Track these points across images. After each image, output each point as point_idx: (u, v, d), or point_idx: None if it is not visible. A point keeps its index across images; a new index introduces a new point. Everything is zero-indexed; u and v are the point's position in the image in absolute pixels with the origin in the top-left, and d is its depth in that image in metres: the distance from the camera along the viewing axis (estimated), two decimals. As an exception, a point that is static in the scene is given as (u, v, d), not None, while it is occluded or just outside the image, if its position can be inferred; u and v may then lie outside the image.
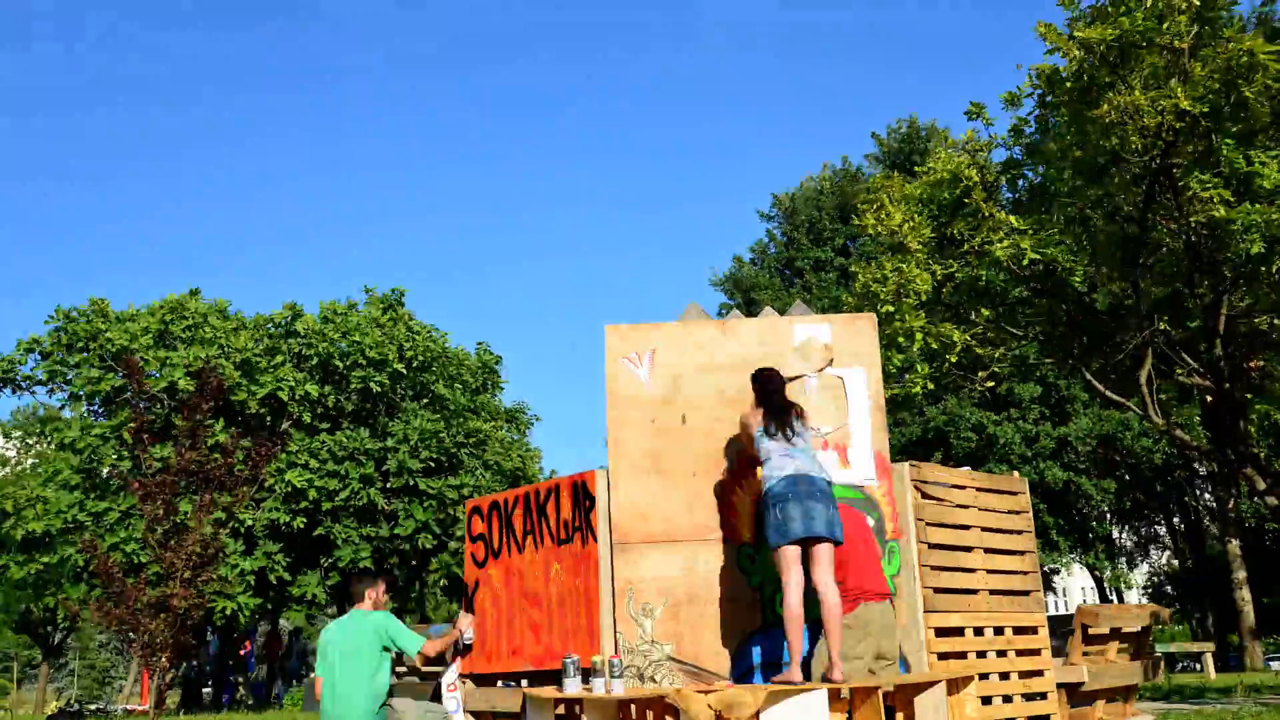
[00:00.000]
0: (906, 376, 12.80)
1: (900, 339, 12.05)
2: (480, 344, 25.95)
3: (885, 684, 4.82)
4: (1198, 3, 10.15)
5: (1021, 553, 6.53)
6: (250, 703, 22.31)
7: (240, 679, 23.06)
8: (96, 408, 20.85)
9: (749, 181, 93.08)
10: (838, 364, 5.79)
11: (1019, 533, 6.53)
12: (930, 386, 12.73)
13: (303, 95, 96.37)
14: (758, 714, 4.32)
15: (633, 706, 5.33)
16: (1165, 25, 10.24)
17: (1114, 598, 34.52)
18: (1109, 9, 10.82)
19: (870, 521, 5.47)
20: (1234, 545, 24.07)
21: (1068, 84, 11.00)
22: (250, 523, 19.10)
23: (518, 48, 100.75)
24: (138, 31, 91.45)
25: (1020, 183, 13.57)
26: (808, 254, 30.48)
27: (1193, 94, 10.12)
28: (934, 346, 12.20)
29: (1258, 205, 10.05)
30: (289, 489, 19.50)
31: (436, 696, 6.11)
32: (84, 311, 20.44)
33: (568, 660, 5.00)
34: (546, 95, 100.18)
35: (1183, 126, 10.44)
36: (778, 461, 4.94)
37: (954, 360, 12.36)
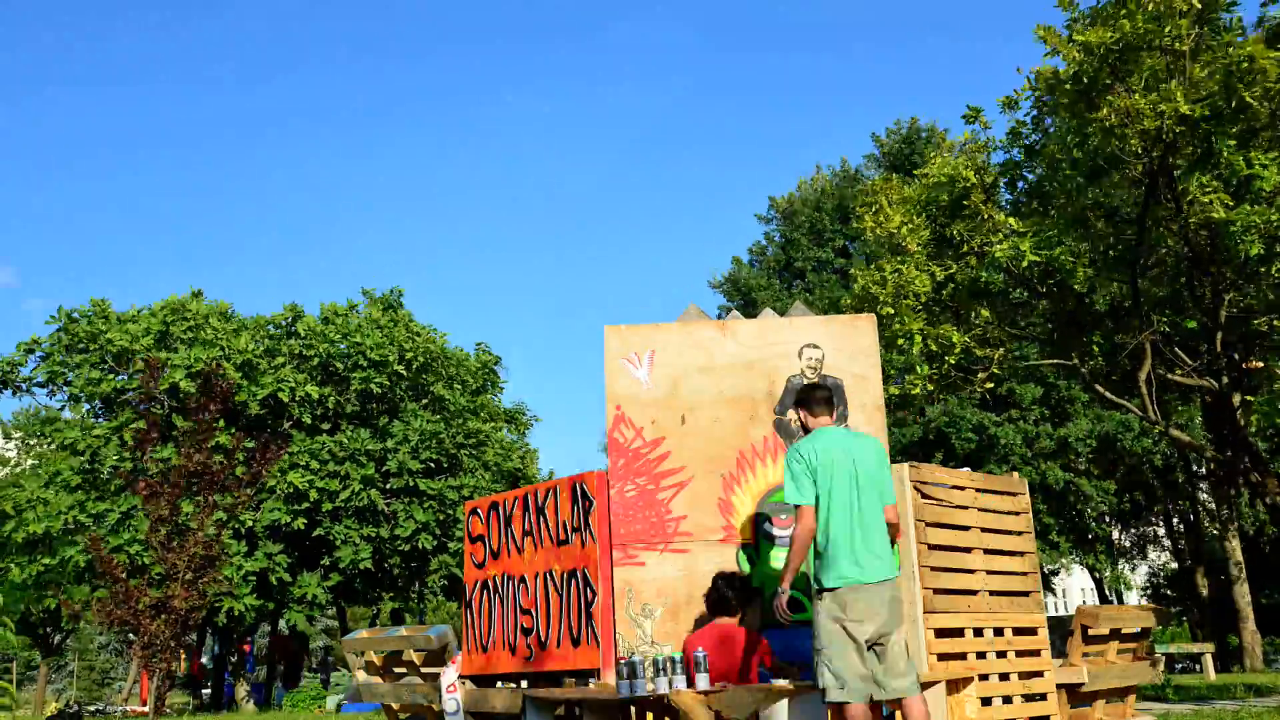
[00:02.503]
0: (906, 377, 12.80)
1: (900, 341, 12.07)
2: (479, 344, 26.00)
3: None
4: (1198, 5, 10.15)
5: (1021, 553, 6.54)
6: (254, 701, 22.32)
7: (241, 678, 23.05)
8: (98, 409, 20.86)
9: (746, 183, 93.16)
10: (838, 365, 5.80)
11: (1019, 533, 6.53)
12: (930, 388, 12.75)
13: (299, 93, 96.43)
14: (757, 714, 4.33)
15: (632, 708, 5.34)
16: (1166, 28, 10.25)
17: (1114, 599, 34.53)
18: (1109, 10, 10.84)
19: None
20: (1234, 545, 24.08)
21: (1067, 86, 11.01)
22: (251, 524, 19.11)
23: (516, 43, 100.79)
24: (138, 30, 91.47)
25: (1019, 184, 13.58)
26: (808, 254, 30.49)
27: (1193, 97, 10.12)
28: (934, 348, 12.22)
29: (1257, 206, 10.06)
30: (290, 490, 19.51)
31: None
32: (85, 312, 20.44)
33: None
34: (545, 92, 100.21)
35: (1182, 129, 10.45)
36: None
37: (954, 362, 12.37)
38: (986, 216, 12.04)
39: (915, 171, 14.54)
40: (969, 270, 12.67)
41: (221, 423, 17.85)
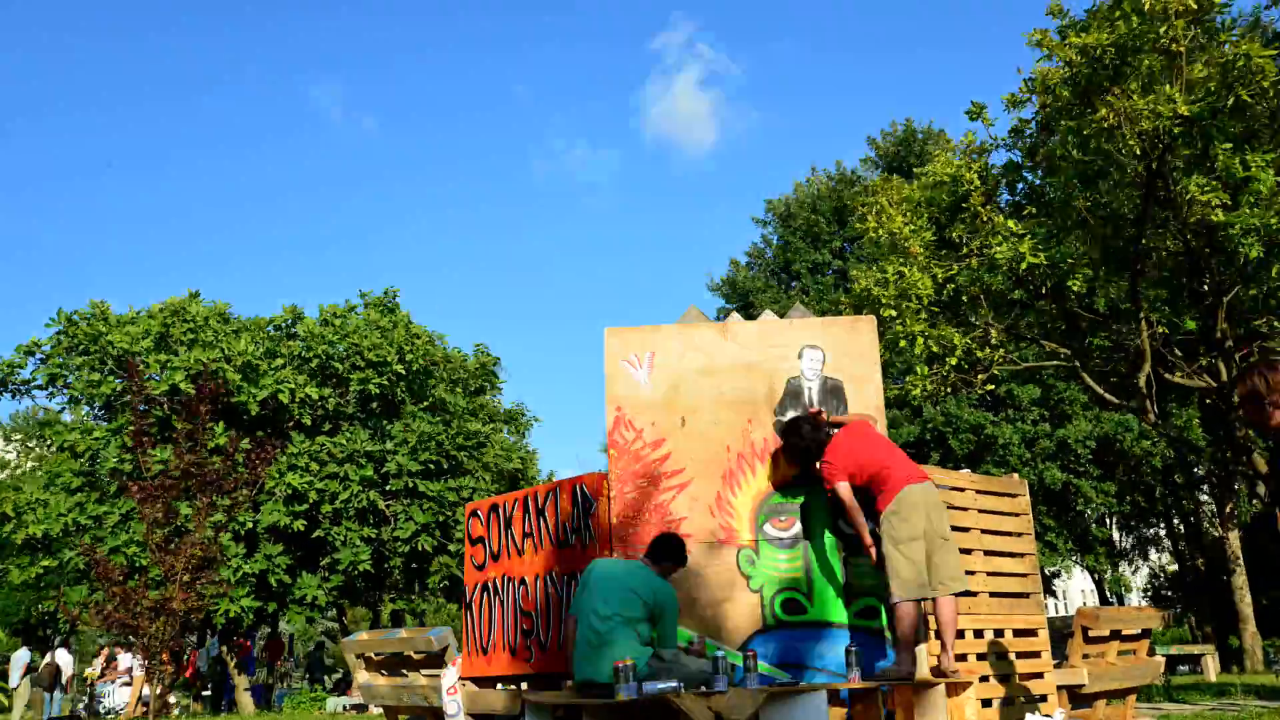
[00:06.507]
0: (907, 379, 12.80)
1: (901, 343, 12.06)
2: (478, 345, 26.02)
3: (883, 683, 4.83)
4: (1193, 5, 10.16)
5: (1021, 555, 6.54)
6: (254, 701, 22.27)
7: (242, 678, 23.00)
8: (98, 411, 20.84)
9: (744, 185, 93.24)
10: (839, 367, 5.80)
11: (1019, 535, 6.54)
12: (929, 388, 12.74)
13: (297, 93, 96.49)
14: (756, 716, 4.33)
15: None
16: (1162, 29, 10.26)
17: (1114, 600, 34.49)
18: (1104, 11, 10.84)
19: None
20: (1234, 546, 24.05)
21: (1063, 90, 11.01)
22: (250, 525, 19.09)
23: (515, 43, 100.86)
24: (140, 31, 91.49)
25: (1020, 186, 13.58)
26: (805, 257, 30.53)
27: (1189, 98, 10.13)
28: (934, 350, 12.21)
29: (1255, 209, 10.06)
30: (289, 491, 19.49)
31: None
32: (85, 314, 20.43)
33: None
34: (545, 93, 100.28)
35: (1180, 129, 10.45)
36: None
37: (954, 363, 12.37)
38: (986, 219, 12.04)
39: (916, 170, 14.54)
40: (970, 272, 12.67)
41: (221, 425, 17.87)
